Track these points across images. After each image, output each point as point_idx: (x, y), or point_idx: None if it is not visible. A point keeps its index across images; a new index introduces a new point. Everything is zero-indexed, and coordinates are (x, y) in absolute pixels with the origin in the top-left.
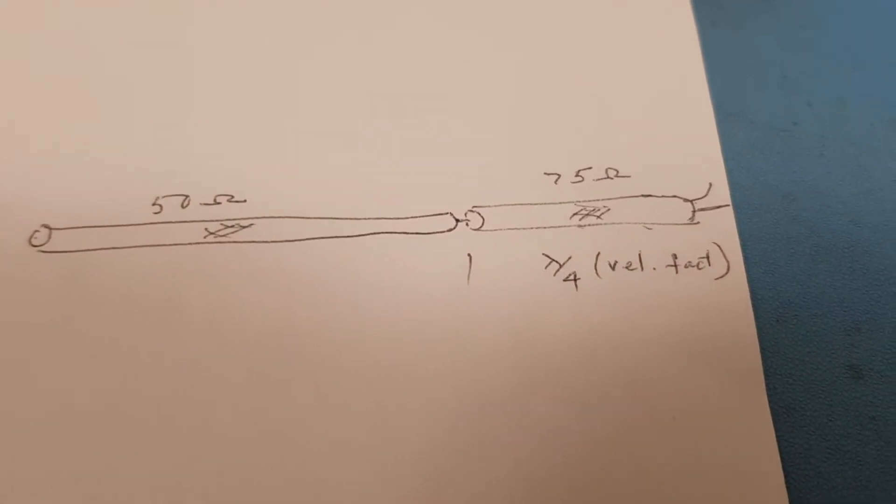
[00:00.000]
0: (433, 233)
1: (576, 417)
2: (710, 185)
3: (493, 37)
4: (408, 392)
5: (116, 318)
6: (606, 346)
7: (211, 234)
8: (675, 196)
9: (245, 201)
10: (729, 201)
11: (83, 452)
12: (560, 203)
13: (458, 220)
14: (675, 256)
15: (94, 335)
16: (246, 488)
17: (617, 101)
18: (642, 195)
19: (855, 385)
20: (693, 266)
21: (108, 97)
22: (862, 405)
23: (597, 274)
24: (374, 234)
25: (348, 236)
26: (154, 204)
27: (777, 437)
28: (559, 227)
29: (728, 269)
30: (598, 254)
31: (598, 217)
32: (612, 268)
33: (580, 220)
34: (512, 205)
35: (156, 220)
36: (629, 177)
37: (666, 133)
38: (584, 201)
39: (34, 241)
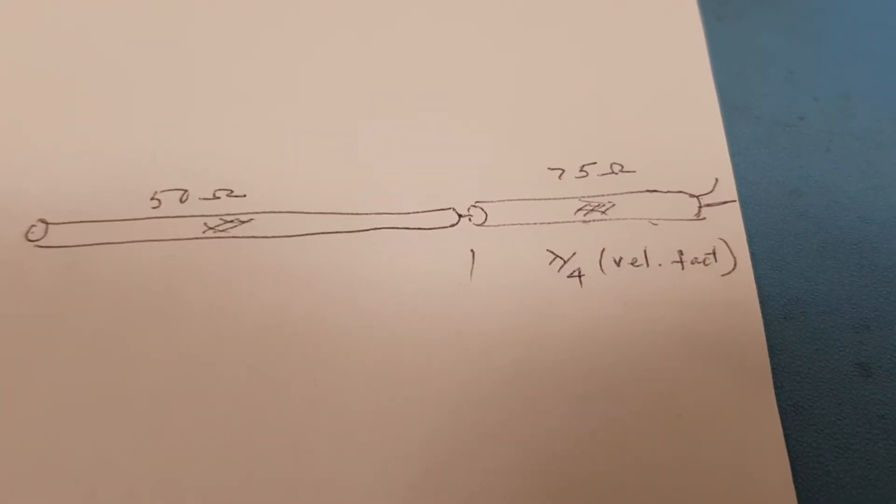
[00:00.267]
0: (436, 228)
1: (580, 414)
2: (717, 180)
3: (498, 31)
4: (409, 388)
5: (114, 314)
6: (611, 343)
7: (210, 228)
8: (680, 191)
9: (244, 196)
10: (735, 197)
11: (81, 448)
12: (564, 198)
13: (460, 216)
14: (680, 252)
15: (91, 330)
16: (245, 484)
17: (622, 95)
18: (647, 190)
19: (864, 383)
20: (699, 262)
21: (106, 91)
22: (871, 403)
23: (601, 270)
24: (376, 229)
25: (349, 231)
26: (152, 198)
27: (785, 435)
28: (563, 222)
29: (735, 265)
30: (603, 250)
31: (603, 213)
32: (617, 264)
33: (584, 215)
34: (515, 200)
35: (154, 215)
36: (634, 172)
37: (671, 128)
38: (588, 196)
39: (31, 236)
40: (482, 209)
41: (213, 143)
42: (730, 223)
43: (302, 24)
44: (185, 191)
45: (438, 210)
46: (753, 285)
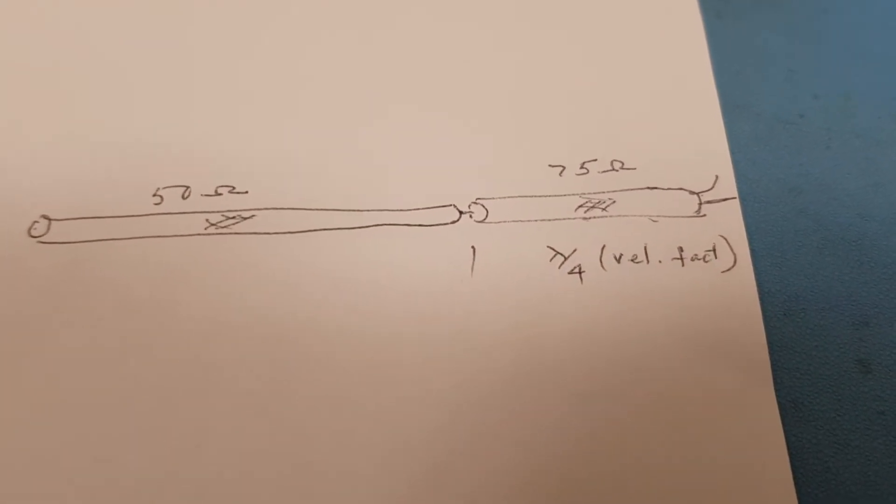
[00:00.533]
0: (436, 225)
1: (580, 411)
2: (717, 177)
3: (499, 29)
4: (411, 385)
5: (116, 310)
6: (611, 340)
7: (212, 225)
8: (681, 188)
9: (247, 192)
10: (735, 194)
11: (81, 445)
12: (565, 195)
13: (461, 213)
14: (681, 249)
15: (93, 326)
16: (245, 483)
17: (622, 93)
18: (648, 187)
19: (863, 379)
20: (699, 259)
21: (108, 87)
22: (870, 399)
23: (602, 267)
24: (377, 226)
25: (351, 228)
26: (154, 195)
27: (785, 431)
28: (564, 219)
29: (735, 262)
30: (604, 246)
31: (604, 209)
32: (618, 260)
33: (585, 212)
34: (516, 197)
35: (156, 212)
36: (635, 169)
37: (672, 125)
38: (589, 193)
39: (33, 232)
40: (483, 206)
41: (215, 140)
42: (730, 220)
43: (304, 21)
44: (188, 187)
45: (439, 207)
46: (753, 282)
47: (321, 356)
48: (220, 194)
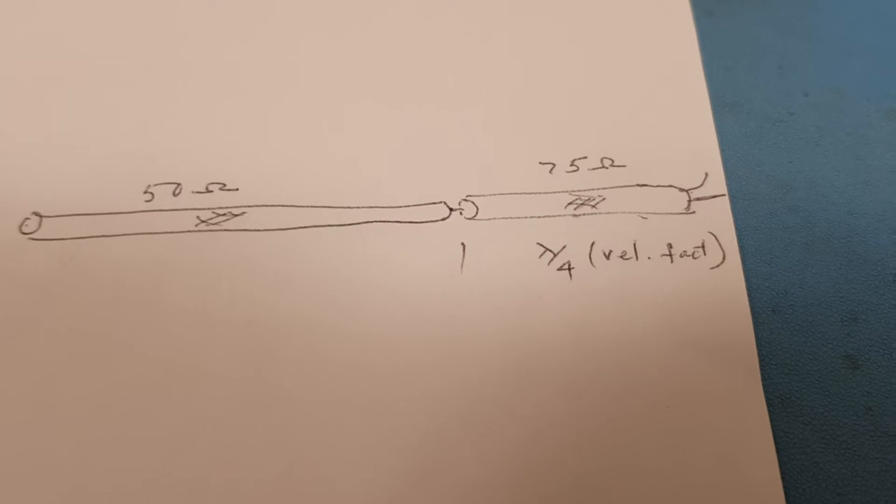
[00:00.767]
0: (427, 222)
1: (569, 407)
2: (706, 174)
3: (488, 25)
4: (400, 382)
5: (107, 307)
6: (600, 336)
7: (202, 222)
8: (670, 185)
9: (237, 190)
10: (725, 191)
11: (72, 442)
12: (555, 192)
13: (451, 210)
14: (670, 246)
15: (84, 323)
16: (235, 477)
17: (613, 90)
18: (638, 185)
19: (851, 375)
20: (688, 256)
21: (99, 85)
22: (858, 395)
23: (591, 263)
24: (368, 222)
25: (341, 225)
26: (145, 192)
27: (772, 427)
28: (554, 216)
29: (724, 258)
30: (593, 243)
31: (593, 206)
32: (607, 257)
33: (575, 209)
34: (506, 194)
35: (147, 208)
36: (624, 166)
37: (662, 122)
38: (579, 191)
39: (25, 229)
40: (473, 203)
41: (206, 137)
42: (719, 217)
43: (293, 17)
44: (178, 184)
45: (429, 204)
46: (742, 278)
47: (312, 353)
48: (211, 191)
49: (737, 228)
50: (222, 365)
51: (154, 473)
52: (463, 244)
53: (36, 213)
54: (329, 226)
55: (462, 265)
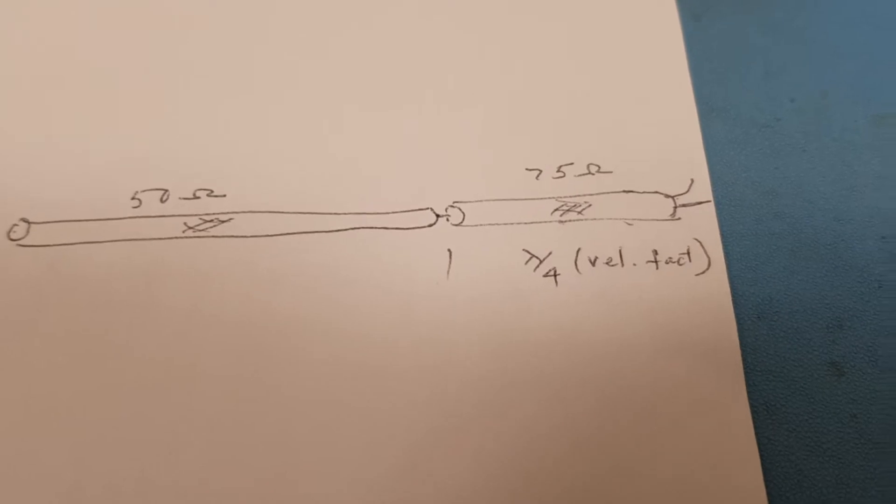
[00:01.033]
0: (413, 228)
1: (554, 413)
2: (692, 180)
3: (476, 33)
4: (386, 387)
5: (95, 313)
6: (586, 342)
7: (190, 228)
8: (656, 192)
9: (224, 196)
10: (710, 197)
11: (62, 446)
12: (541, 199)
13: (438, 216)
14: (655, 252)
15: (72, 329)
16: (225, 481)
17: (599, 96)
18: (624, 191)
19: (836, 382)
20: (674, 262)
21: (88, 91)
22: (843, 402)
23: (577, 270)
24: (355, 228)
25: (328, 231)
26: (133, 198)
27: (756, 433)
28: (540, 222)
29: (709, 265)
30: (579, 249)
31: (579, 213)
32: (593, 263)
33: (561, 215)
34: (493, 200)
35: (135, 215)
36: (611, 172)
37: (648, 129)
38: (565, 197)
39: (13, 235)
40: (460, 209)
41: (193, 144)
42: (704, 223)
43: (283, 25)
44: (166, 190)
45: (416, 210)
46: (727, 285)
47: (298, 358)
48: (199, 197)
49: (722, 235)
50: (211, 369)
51: (146, 476)
52: (449, 250)
53: (24, 220)
54: (316, 232)
55: (448, 271)
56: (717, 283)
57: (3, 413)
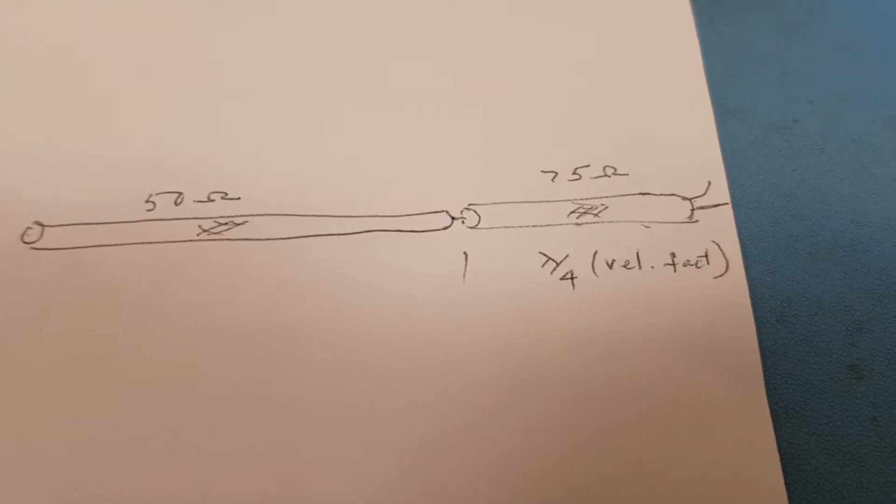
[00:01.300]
0: (428, 231)
1: (572, 417)
2: (709, 183)
3: (490, 33)
4: (402, 391)
5: (109, 316)
6: (603, 346)
7: (204, 231)
8: (673, 194)
9: (239, 198)
10: (728, 199)
11: (77, 451)
12: (557, 201)
13: (453, 218)
14: (673, 255)
15: (86, 332)
16: (237, 483)
17: (615, 98)
18: (640, 193)
19: (856, 385)
20: (692, 265)
21: (101, 94)
22: (863, 405)
23: (594, 273)
24: (370, 231)
25: (343, 234)
26: (147, 201)
27: (776, 437)
28: (556, 225)
29: (727, 267)
30: (596, 252)
31: (596, 215)
32: (610, 266)
33: (577, 218)
34: (508, 203)
35: (149, 218)
36: (627, 175)
37: (665, 130)
38: (581, 199)
39: (26, 238)
40: (475, 212)
41: (207, 146)
42: (722, 226)
43: (296, 27)
44: (180, 193)
45: (431, 213)
46: (745, 288)
47: (314, 362)
48: (213, 200)
49: (740, 237)
50: (225, 373)
51: (153, 479)
52: (465, 253)
53: (38, 223)
54: (331, 235)
55: (464, 274)
56: (736, 286)
57: (15, 414)
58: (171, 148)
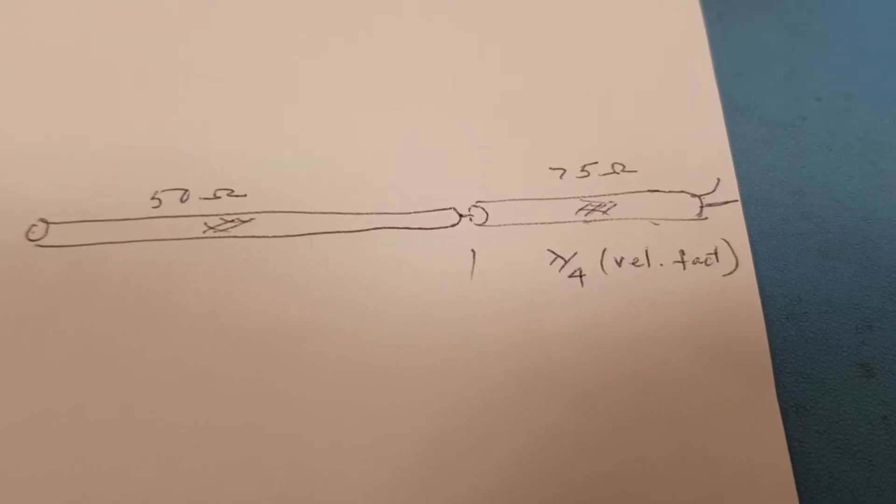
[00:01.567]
0: (436, 228)
1: (580, 415)
2: (718, 180)
3: (499, 29)
4: (410, 389)
5: (114, 314)
6: (612, 344)
7: (210, 228)
8: (682, 191)
9: (245, 195)
10: (737, 196)
11: (81, 449)
12: (565, 198)
13: (461, 216)
14: (682, 252)
15: (91, 330)
16: (243, 482)
17: (624, 95)
18: (649, 190)
19: (866, 383)
20: (701, 262)
21: (106, 91)
22: (873, 403)
23: (603, 270)
24: (377, 229)
25: (350, 231)
26: (153, 198)
27: (787, 435)
28: (564, 222)
29: (736, 265)
30: (605, 250)
31: (605, 212)
32: (619, 264)
33: (586, 215)
34: (517, 200)
35: (154, 215)
36: (636, 172)
37: (673, 128)
38: (589, 196)
39: (31, 236)
40: (483, 209)
41: (213, 143)
42: (732, 223)
43: (302, 23)
44: (186, 190)
45: (439, 210)
46: (755, 285)
47: (320, 360)
48: (219, 197)
49: (749, 235)
50: (231, 371)
51: (161, 479)
52: (473, 250)
53: (43, 220)
54: (338, 232)
55: (472, 272)
56: (746, 283)
57: (20, 412)
58: (176, 145)
